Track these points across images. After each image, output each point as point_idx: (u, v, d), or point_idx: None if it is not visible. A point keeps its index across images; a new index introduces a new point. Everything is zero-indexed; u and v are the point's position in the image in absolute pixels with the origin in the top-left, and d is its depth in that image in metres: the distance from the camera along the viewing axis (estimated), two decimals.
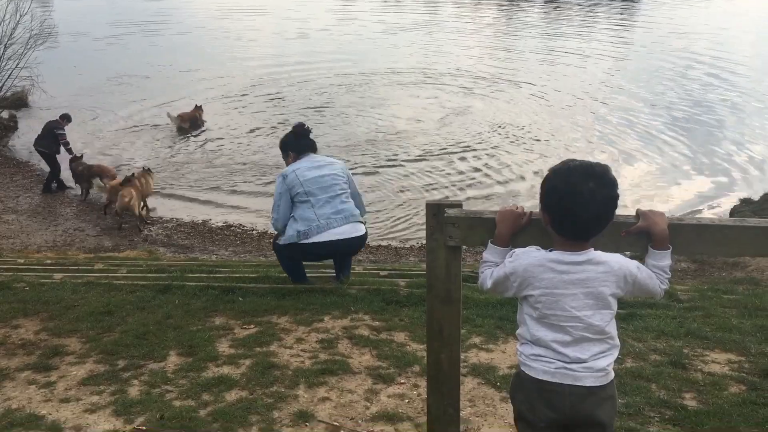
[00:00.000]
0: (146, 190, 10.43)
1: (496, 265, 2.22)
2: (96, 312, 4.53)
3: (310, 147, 5.22)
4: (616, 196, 2.03)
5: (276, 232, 5.26)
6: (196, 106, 15.06)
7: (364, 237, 5.19)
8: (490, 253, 2.25)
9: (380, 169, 12.20)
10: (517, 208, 2.23)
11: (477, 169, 12.13)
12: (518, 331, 2.21)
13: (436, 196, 10.76)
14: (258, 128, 14.79)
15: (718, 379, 3.51)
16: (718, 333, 4.11)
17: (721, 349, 3.91)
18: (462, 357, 3.75)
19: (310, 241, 4.92)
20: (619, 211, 2.10)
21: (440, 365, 2.55)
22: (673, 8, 33.40)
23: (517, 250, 2.17)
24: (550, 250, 2.11)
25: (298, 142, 5.21)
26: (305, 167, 5.02)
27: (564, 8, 34.03)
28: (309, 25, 28.18)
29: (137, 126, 15.11)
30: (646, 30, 27.05)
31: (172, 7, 33.86)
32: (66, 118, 12.08)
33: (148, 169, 10.94)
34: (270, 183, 11.60)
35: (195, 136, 14.42)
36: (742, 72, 19.34)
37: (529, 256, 2.12)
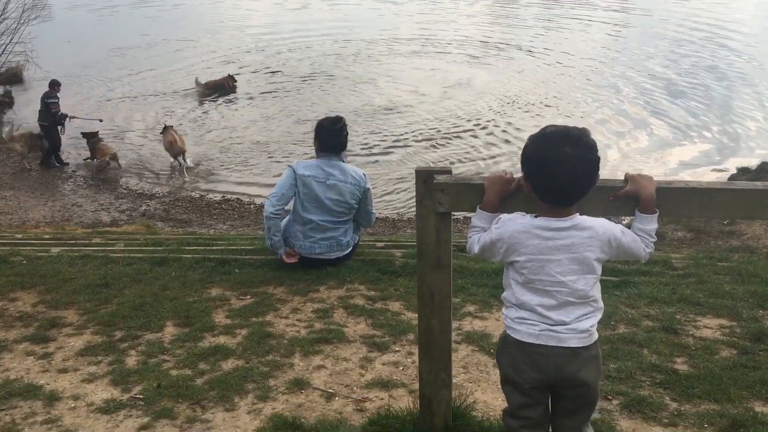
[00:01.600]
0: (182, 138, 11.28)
1: (484, 230, 2.23)
2: (93, 284, 4.55)
3: (334, 149, 4.71)
4: (595, 159, 2.03)
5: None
6: (228, 75, 15.48)
7: (349, 254, 4.93)
8: (478, 218, 2.27)
9: (380, 142, 12.20)
10: (505, 174, 2.24)
11: (479, 138, 12.13)
12: (504, 295, 2.24)
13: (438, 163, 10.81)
14: (253, 100, 14.73)
15: (709, 344, 3.54)
16: (711, 299, 4.14)
17: (713, 315, 3.93)
18: (456, 325, 3.81)
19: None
20: (609, 176, 2.11)
21: (431, 331, 2.57)
22: None
23: (503, 217, 2.19)
24: (536, 216, 2.13)
25: (326, 139, 4.70)
26: (316, 177, 4.64)
27: None
28: None
29: (132, 97, 15.10)
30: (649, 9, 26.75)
31: None
32: (54, 85, 11.78)
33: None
34: (270, 157, 11.61)
35: (199, 106, 14.42)
36: (742, 40, 19.16)
37: (514, 223, 2.14)
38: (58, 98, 11.61)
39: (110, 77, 16.85)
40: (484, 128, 12.70)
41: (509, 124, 12.85)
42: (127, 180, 11.08)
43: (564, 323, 2.09)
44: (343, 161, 4.79)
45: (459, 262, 4.71)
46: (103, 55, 18.72)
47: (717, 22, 21.11)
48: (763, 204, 2.17)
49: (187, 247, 5.57)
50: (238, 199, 10.17)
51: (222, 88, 15.10)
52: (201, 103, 14.69)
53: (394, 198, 10.00)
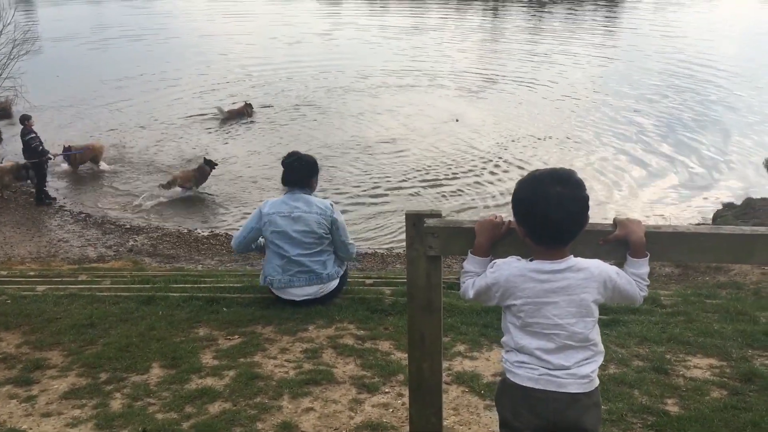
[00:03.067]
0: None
1: (477, 275, 2.23)
2: (78, 324, 4.48)
3: (295, 182, 4.79)
4: (586, 197, 2.06)
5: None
6: (245, 103, 16.30)
7: (333, 293, 4.89)
8: (470, 263, 2.27)
9: (369, 176, 12.23)
10: (495, 217, 2.25)
11: (469, 174, 12.18)
12: (503, 339, 2.24)
13: (427, 201, 10.84)
14: (244, 134, 14.78)
15: (699, 385, 3.53)
16: (700, 338, 4.14)
17: (703, 354, 3.93)
18: (446, 365, 3.78)
19: (275, 294, 4.87)
20: (600, 217, 2.13)
21: (422, 375, 2.55)
22: (655, 12, 33.68)
23: (498, 261, 2.19)
24: (531, 260, 2.13)
25: (285, 174, 4.82)
26: (281, 212, 4.71)
27: (547, 13, 34.20)
28: (299, 31, 28.27)
29: (116, 130, 15.18)
30: (632, 34, 27.25)
31: (161, 13, 33.83)
32: (25, 120, 11.61)
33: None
34: (261, 190, 11.61)
35: (186, 139, 14.52)
36: (725, 75, 19.51)
37: (510, 267, 2.15)
38: (35, 132, 11.50)
39: (100, 109, 16.93)
40: (485, 162, 12.77)
41: (505, 161, 12.92)
42: (115, 213, 11.03)
43: (564, 368, 2.08)
44: (309, 194, 4.80)
45: (449, 300, 4.70)
46: (93, 87, 18.80)
47: (701, 59, 21.49)
48: (749, 249, 2.19)
49: (175, 285, 5.52)
50: (226, 233, 10.13)
51: (241, 116, 15.93)
52: (186, 135, 14.81)
53: (383, 233, 10.00)
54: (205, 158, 12.04)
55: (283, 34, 27.40)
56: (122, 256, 9.13)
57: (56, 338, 4.29)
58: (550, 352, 2.10)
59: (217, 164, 11.98)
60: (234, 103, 16.80)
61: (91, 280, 6.07)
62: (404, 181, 12.03)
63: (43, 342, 4.24)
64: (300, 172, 4.79)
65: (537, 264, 2.11)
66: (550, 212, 2.01)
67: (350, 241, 4.92)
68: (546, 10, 35.60)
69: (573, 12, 34.45)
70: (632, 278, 2.16)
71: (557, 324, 2.08)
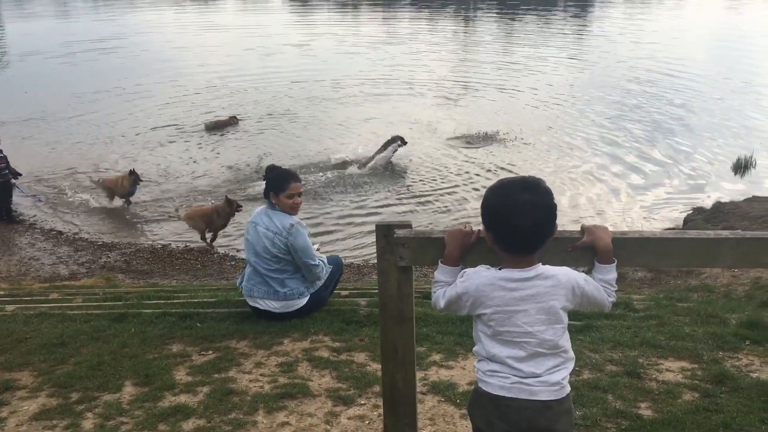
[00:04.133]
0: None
1: (448, 285, 2.24)
2: (49, 344, 4.41)
3: (265, 196, 4.87)
4: (553, 206, 2.08)
5: None
6: (230, 116, 16.35)
7: (302, 311, 4.82)
8: (441, 272, 2.28)
9: (346, 186, 12.20)
10: (465, 227, 2.26)
11: (446, 182, 12.23)
12: (475, 348, 2.25)
13: (404, 211, 10.86)
14: (215, 145, 14.70)
15: (672, 388, 3.57)
16: (672, 341, 4.19)
17: (674, 357, 3.98)
18: (422, 375, 3.79)
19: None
20: (568, 224, 2.15)
21: (396, 386, 2.55)
22: (622, 20, 34.21)
23: (468, 270, 2.21)
24: (500, 269, 2.15)
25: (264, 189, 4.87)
26: (254, 222, 4.78)
27: (518, 21, 34.58)
28: (273, 42, 28.28)
29: (83, 143, 15.03)
30: (600, 41, 27.63)
31: (131, 27, 33.60)
32: None
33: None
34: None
35: (158, 151, 14.37)
36: (696, 80, 19.80)
37: (479, 276, 2.16)
38: (2, 152, 11.24)
39: (71, 123, 16.73)
40: (459, 171, 12.83)
41: (483, 168, 13.00)
42: (87, 229, 10.87)
43: (535, 375, 2.10)
44: (274, 209, 4.77)
45: (424, 309, 4.71)
46: (65, 102, 18.57)
47: (671, 64, 21.83)
48: (714, 252, 2.23)
49: (148, 301, 5.46)
50: (202, 247, 10.04)
51: (226, 127, 16.01)
52: (157, 147, 14.70)
53: (358, 243, 9.98)
54: (227, 197, 10.34)
55: (259, 45, 27.36)
56: (95, 273, 8.99)
57: (26, 358, 4.21)
58: (521, 360, 2.11)
59: (241, 207, 10.16)
60: (217, 116, 16.68)
61: (62, 298, 5.98)
62: (380, 191, 12.03)
63: (12, 363, 4.16)
64: (266, 184, 4.83)
65: (506, 272, 2.12)
66: (518, 220, 2.04)
67: (314, 263, 4.79)
68: (517, 18, 35.98)
69: (543, 19, 34.85)
70: (600, 284, 2.19)
71: (527, 332, 2.10)
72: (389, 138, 13.27)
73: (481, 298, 2.14)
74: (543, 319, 2.10)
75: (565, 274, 2.14)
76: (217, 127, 16.02)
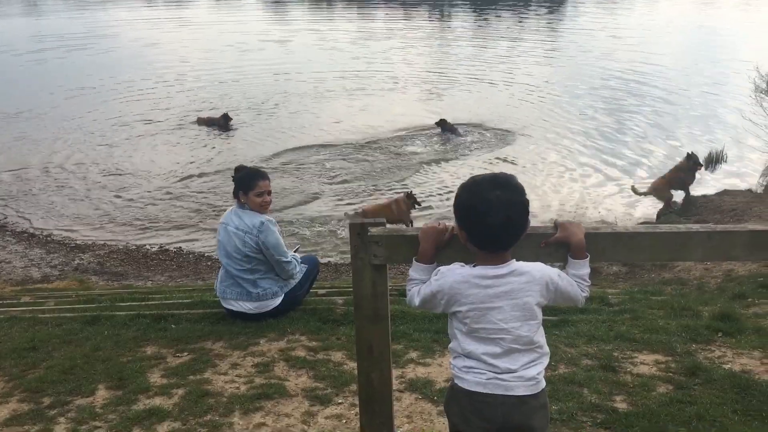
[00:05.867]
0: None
1: (423, 282, 2.24)
2: (19, 348, 4.33)
3: (234, 196, 4.86)
4: (525, 201, 2.09)
5: None
6: (223, 114, 15.88)
7: (278, 311, 4.79)
8: (415, 270, 2.27)
9: (324, 185, 12.14)
10: (439, 224, 2.26)
11: (429, 176, 12.24)
12: (450, 345, 2.24)
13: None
14: (191, 143, 14.57)
15: (646, 380, 3.60)
16: (646, 335, 4.23)
17: (649, 351, 4.02)
18: (399, 373, 3.78)
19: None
20: (546, 218, 2.15)
21: (372, 384, 2.54)
22: (595, 17, 34.47)
23: (442, 268, 2.20)
24: (474, 266, 2.14)
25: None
26: (225, 223, 4.76)
27: (493, 16, 34.67)
28: (254, 38, 28.09)
29: (62, 140, 14.74)
30: (576, 37, 27.81)
31: (108, 24, 33.14)
32: None
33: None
34: (205, 206, 11.43)
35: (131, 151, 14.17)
36: (667, 75, 20.03)
37: (453, 274, 2.15)
38: None
39: (41, 120, 16.51)
40: (437, 167, 12.84)
41: (464, 165, 13.01)
42: (60, 231, 10.71)
43: (511, 371, 2.10)
44: (243, 209, 4.74)
45: (400, 307, 4.70)
46: (38, 99, 18.28)
47: (646, 59, 22.06)
48: (685, 246, 2.25)
49: (122, 304, 5.39)
50: (179, 248, 9.93)
51: (213, 125, 15.68)
52: (140, 146, 14.51)
53: (336, 241, 9.94)
54: (408, 193, 9.85)
55: (239, 41, 27.16)
56: (68, 276, 8.85)
57: None
58: (496, 356, 2.11)
59: (420, 203, 9.82)
60: (200, 111, 16.58)
61: (34, 302, 5.88)
62: (360, 187, 11.98)
63: None
64: (234, 185, 4.81)
65: (480, 269, 2.12)
66: (490, 216, 2.04)
67: (287, 259, 4.77)
68: (491, 15, 36.12)
69: (518, 16, 35.02)
70: (573, 279, 2.20)
71: (503, 328, 2.10)
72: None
73: (456, 296, 2.14)
74: (518, 315, 2.11)
75: (539, 270, 2.14)
76: (207, 123, 15.76)
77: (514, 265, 2.12)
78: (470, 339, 2.14)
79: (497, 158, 13.18)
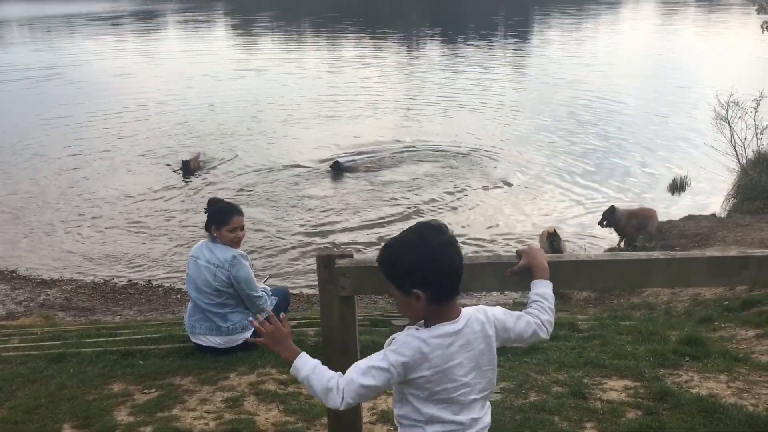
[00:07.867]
0: None
1: (330, 375, 2.11)
2: None
3: (206, 229, 4.81)
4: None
5: None
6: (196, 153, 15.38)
7: (244, 345, 4.69)
8: (304, 371, 2.17)
9: (293, 214, 12.11)
10: (284, 326, 2.23)
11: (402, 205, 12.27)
12: (400, 413, 2.12)
13: (358, 238, 10.82)
14: (160, 172, 14.47)
15: (616, 406, 3.63)
16: (615, 360, 4.27)
17: (618, 376, 4.06)
18: (371, 405, 3.76)
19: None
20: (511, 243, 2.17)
21: (341, 418, 2.53)
22: (561, 45, 35.17)
23: (398, 336, 2.06)
24: (428, 327, 2.04)
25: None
26: (195, 257, 4.71)
27: (462, 44, 35.18)
28: (230, 68, 28.18)
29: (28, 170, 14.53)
30: (543, 63, 28.34)
31: (78, 56, 32.94)
32: None
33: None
34: (175, 239, 11.33)
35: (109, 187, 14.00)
36: (630, 102, 20.47)
37: (415, 339, 2.01)
38: None
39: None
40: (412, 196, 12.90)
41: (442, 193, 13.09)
42: (25, 266, 10.50)
43: (474, 422, 2.08)
44: (215, 242, 4.70)
45: (371, 338, 4.69)
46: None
47: (612, 87, 22.55)
48: (646, 273, 2.30)
49: (88, 340, 5.29)
50: (148, 281, 9.80)
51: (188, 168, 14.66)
52: (109, 174, 14.36)
53: (309, 273, 9.90)
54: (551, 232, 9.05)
55: (215, 71, 27.22)
56: (33, 312, 8.67)
57: None
58: (459, 412, 2.05)
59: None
60: (169, 144, 16.47)
61: None
62: (333, 219, 11.97)
63: None
64: (207, 218, 4.76)
65: (440, 328, 2.01)
66: (452, 260, 2.00)
67: (257, 294, 4.75)
68: (459, 42, 36.70)
69: (487, 43, 35.60)
70: (536, 299, 2.19)
71: (464, 383, 2.04)
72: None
73: (419, 362, 1.99)
74: (475, 365, 2.05)
75: (484, 312, 2.10)
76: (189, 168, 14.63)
77: (463, 314, 2.05)
78: (430, 403, 2.04)
79: (466, 186, 13.27)
